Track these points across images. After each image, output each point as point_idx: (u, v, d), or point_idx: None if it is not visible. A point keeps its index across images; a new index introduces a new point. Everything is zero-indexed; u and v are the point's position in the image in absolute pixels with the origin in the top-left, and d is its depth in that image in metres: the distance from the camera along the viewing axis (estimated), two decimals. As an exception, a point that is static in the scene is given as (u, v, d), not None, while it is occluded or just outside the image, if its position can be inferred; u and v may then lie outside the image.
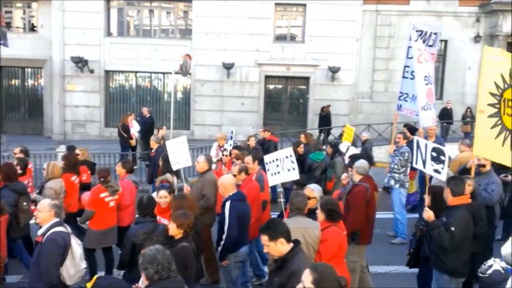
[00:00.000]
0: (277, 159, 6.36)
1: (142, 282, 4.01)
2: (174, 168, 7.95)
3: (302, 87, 22.50)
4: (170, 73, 17.49)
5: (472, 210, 5.96)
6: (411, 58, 8.83)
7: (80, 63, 21.07)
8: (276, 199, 11.25)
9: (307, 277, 3.26)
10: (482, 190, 7.01)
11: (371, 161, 12.47)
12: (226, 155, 9.71)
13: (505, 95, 5.93)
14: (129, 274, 5.54)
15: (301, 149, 11.27)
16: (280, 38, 22.00)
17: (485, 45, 6.58)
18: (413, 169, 9.38)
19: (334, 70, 21.15)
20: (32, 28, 22.43)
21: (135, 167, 13.70)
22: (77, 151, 9.53)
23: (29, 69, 22.53)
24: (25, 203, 7.28)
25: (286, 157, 6.27)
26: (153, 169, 10.26)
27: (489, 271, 4.19)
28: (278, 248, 4.12)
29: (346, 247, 5.49)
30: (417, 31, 8.32)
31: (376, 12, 21.51)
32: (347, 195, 6.85)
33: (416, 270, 6.63)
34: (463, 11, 21.50)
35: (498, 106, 6.04)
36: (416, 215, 8.76)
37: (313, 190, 6.07)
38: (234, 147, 10.07)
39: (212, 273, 7.35)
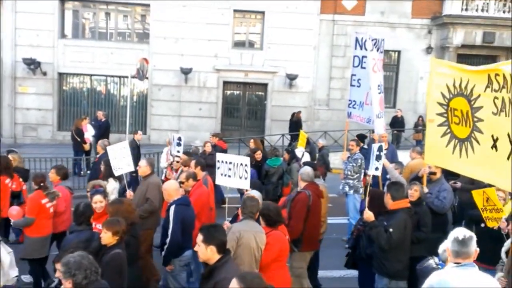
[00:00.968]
0: (230, 162, 6.31)
1: None
2: (116, 173, 7.81)
3: (260, 93, 22.64)
4: (127, 77, 17.22)
5: (417, 215, 6.17)
6: (357, 66, 9.03)
7: (33, 65, 20.43)
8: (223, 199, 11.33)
9: (234, 286, 3.25)
10: (434, 197, 7.14)
11: (328, 168, 12.71)
12: (178, 161, 9.61)
13: (451, 104, 6.12)
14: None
15: (258, 155, 11.31)
16: (238, 44, 22.08)
17: (432, 57, 6.82)
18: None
19: (291, 77, 21.41)
20: (-18, 28, 21.62)
21: (88, 172, 13.43)
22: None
23: (-22, 70, 21.71)
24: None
25: (241, 164, 6.20)
26: (94, 175, 9.72)
27: (425, 264, 4.62)
28: (206, 252, 4.12)
29: (287, 251, 5.55)
30: (372, 40, 8.49)
31: (333, 22, 21.95)
32: (291, 203, 6.85)
33: None
34: (415, 23, 22.24)
35: (446, 115, 6.21)
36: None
37: (254, 195, 6.06)
38: (184, 153, 9.97)
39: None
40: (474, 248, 4.03)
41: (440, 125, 6.30)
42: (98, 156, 10.53)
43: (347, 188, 9.92)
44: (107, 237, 4.96)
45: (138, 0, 21.28)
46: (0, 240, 5.13)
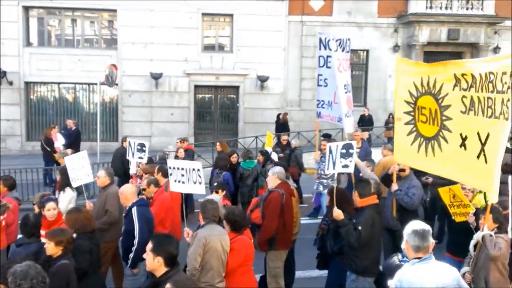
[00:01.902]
0: (183, 168, 6.17)
1: None
2: (74, 185, 7.67)
3: (232, 96, 22.63)
4: (96, 84, 17.00)
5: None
6: (323, 66, 9.11)
7: (-2, 74, 19.98)
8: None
9: None
10: (403, 194, 7.25)
11: (301, 168, 12.79)
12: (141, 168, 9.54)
13: (418, 103, 6.15)
14: None
15: (234, 158, 11.33)
16: (208, 47, 22.03)
17: (397, 55, 6.90)
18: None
19: (263, 79, 21.48)
20: None
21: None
22: None
23: None
24: None
25: (193, 169, 6.09)
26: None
27: (389, 261, 4.72)
28: (153, 263, 4.05)
29: (253, 256, 5.58)
30: (337, 40, 8.54)
31: (301, 23, 22.12)
32: (264, 202, 6.92)
33: None
34: (382, 22, 22.58)
35: (413, 113, 6.26)
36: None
37: (213, 199, 6.04)
38: (148, 161, 9.91)
39: None
40: (431, 241, 4.10)
41: (407, 123, 6.36)
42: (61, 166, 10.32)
43: (321, 188, 10.02)
44: (50, 248, 4.84)
45: (105, 6, 21.01)
46: None
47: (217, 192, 7.36)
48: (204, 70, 21.53)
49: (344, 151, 6.23)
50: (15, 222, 7.15)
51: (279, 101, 22.22)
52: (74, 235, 5.39)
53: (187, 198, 9.73)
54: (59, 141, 15.29)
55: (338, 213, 5.94)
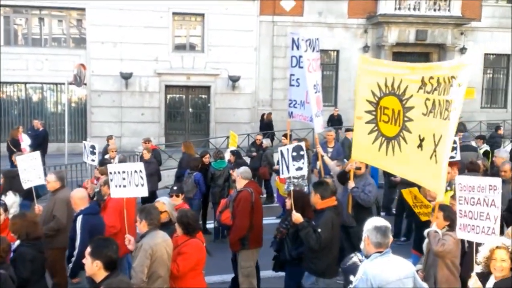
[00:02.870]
0: (124, 172, 5.86)
1: None
2: (25, 186, 7.36)
3: (204, 96, 22.52)
4: (64, 83, 16.67)
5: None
6: (295, 66, 9.13)
7: (-38, 74, 19.39)
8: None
9: None
10: (360, 191, 7.35)
11: (272, 168, 12.81)
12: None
13: (381, 103, 6.21)
14: None
15: (206, 159, 11.28)
16: (179, 47, 21.85)
17: (366, 55, 6.93)
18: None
19: (234, 79, 21.44)
20: None
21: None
22: None
23: None
24: None
25: (135, 171, 5.80)
26: None
27: (349, 263, 4.76)
28: (92, 267, 3.96)
29: (204, 260, 5.51)
30: (306, 40, 8.52)
31: (273, 23, 22.16)
32: (233, 202, 6.90)
33: None
34: (352, 22, 22.81)
35: (374, 113, 6.32)
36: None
37: (164, 203, 5.99)
38: (100, 163, 9.77)
39: None
40: (391, 238, 4.24)
41: (368, 122, 6.43)
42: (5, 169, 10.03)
43: (292, 187, 9.98)
44: None
45: (73, 4, 20.62)
46: None
47: (177, 196, 7.09)
48: (175, 70, 21.36)
49: (295, 154, 6.17)
50: None
51: (250, 101, 22.22)
52: (18, 242, 5.23)
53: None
54: (25, 142, 14.94)
55: (297, 217, 5.89)
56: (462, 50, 23.28)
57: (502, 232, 5.33)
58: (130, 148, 19.15)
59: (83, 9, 20.69)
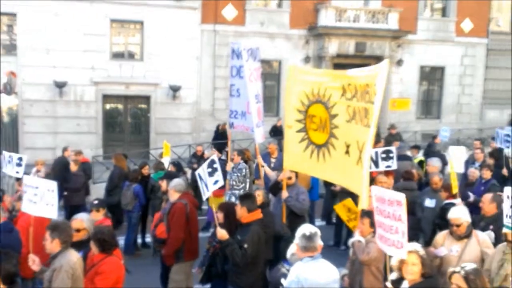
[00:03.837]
0: (37, 187, 5.43)
1: None
2: None
3: (143, 106, 21.90)
4: (-9, 92, 15.68)
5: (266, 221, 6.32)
6: (235, 76, 9.03)
7: None
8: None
9: None
10: (294, 200, 7.48)
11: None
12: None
13: (309, 111, 6.37)
14: None
15: (146, 170, 11.09)
16: (117, 55, 21.16)
17: (289, 65, 6.96)
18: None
19: (175, 89, 21.00)
20: None
21: None
22: None
23: None
24: None
25: (48, 190, 5.35)
26: None
27: (277, 274, 5.09)
28: None
29: (123, 277, 5.27)
30: (248, 50, 8.42)
31: (214, 32, 21.94)
32: (167, 215, 6.81)
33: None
34: (294, 33, 22.97)
35: (304, 121, 6.43)
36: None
37: (83, 220, 5.66)
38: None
39: None
40: (319, 243, 4.54)
41: (299, 131, 6.54)
42: None
43: (233, 199, 9.82)
44: None
45: (4, 9, 19.47)
46: None
47: (97, 211, 6.63)
48: (113, 78, 20.64)
49: (209, 169, 6.14)
50: None
51: (191, 111, 21.83)
52: None
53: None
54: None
55: (222, 234, 5.78)
56: (399, 62, 24.02)
57: None
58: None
59: (14, 14, 19.58)
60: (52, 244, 4.79)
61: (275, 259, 6.41)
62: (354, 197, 6.70)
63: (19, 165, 9.18)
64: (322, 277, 4.36)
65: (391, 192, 4.72)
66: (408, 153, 13.62)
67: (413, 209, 8.73)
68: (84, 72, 20.11)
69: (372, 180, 9.04)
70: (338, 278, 4.56)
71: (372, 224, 5.58)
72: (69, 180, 11.15)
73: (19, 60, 19.46)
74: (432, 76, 25.77)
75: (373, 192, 4.91)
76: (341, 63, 23.16)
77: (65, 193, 10.93)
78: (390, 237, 4.55)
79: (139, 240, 11.16)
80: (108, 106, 21.52)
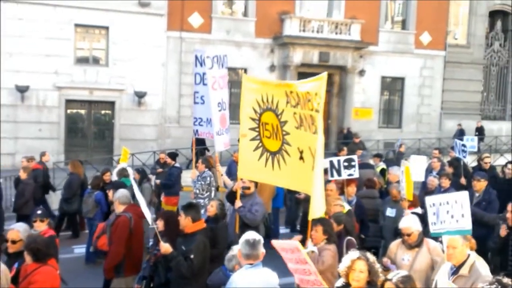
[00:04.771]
0: None
1: None
2: None
3: (108, 112, 21.68)
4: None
5: (213, 232, 6.31)
6: (199, 84, 9.05)
7: None
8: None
9: None
10: (246, 211, 7.34)
11: (179, 187, 12.54)
12: None
13: (262, 119, 6.40)
14: None
15: (107, 177, 10.81)
16: (82, 60, 20.90)
17: (244, 74, 7.08)
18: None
19: (140, 95, 20.89)
20: None
21: None
22: None
23: None
24: None
25: None
26: None
27: (215, 278, 5.14)
28: None
29: (59, 286, 5.20)
30: (213, 57, 8.41)
31: (181, 39, 21.98)
32: (110, 227, 6.58)
33: None
34: (259, 42, 23.25)
35: (258, 129, 6.48)
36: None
37: (19, 231, 5.49)
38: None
39: None
40: (262, 251, 4.57)
41: (253, 139, 6.56)
42: None
43: (199, 208, 9.82)
44: None
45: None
46: None
47: (41, 221, 6.33)
48: (77, 83, 20.38)
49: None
50: None
51: (157, 117, 21.75)
52: None
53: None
54: None
55: (166, 248, 5.65)
56: (361, 72, 24.64)
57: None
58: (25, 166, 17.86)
59: (-26, 17, 19.14)
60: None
61: None
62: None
63: None
64: (259, 284, 4.37)
65: (286, 242, 4.64)
66: (371, 161, 13.98)
67: (375, 216, 9.02)
68: (47, 77, 19.78)
69: (341, 189, 9.28)
70: (277, 284, 4.54)
71: (325, 231, 5.78)
72: (17, 189, 10.73)
73: (-21, 64, 18.99)
74: (393, 87, 26.52)
75: (274, 244, 4.74)
76: (305, 72, 23.55)
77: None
78: (309, 279, 4.46)
79: (101, 249, 10.97)
80: (71, 112, 21.19)
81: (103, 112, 21.87)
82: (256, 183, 7.76)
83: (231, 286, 4.45)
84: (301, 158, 5.76)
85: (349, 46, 23.67)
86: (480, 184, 8.83)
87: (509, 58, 28.39)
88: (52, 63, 19.84)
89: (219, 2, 22.95)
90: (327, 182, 10.34)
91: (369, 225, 8.56)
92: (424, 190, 10.13)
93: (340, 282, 4.55)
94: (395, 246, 5.92)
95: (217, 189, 10.94)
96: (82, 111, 21.54)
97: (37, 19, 19.40)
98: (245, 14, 23.39)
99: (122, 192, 6.81)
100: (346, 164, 9.29)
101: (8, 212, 11.61)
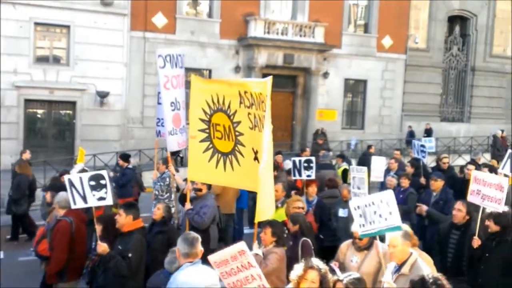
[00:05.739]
0: None
1: None
2: None
3: (68, 112, 21.24)
4: None
5: (166, 235, 6.41)
6: None
7: None
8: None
9: None
10: (194, 214, 7.35)
11: (141, 187, 12.43)
12: None
13: (213, 120, 6.33)
14: None
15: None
16: (41, 59, 20.39)
17: (192, 74, 6.99)
18: None
19: (102, 95, 20.56)
20: None
21: None
22: None
23: None
24: None
25: None
26: None
27: (155, 278, 5.11)
28: None
29: None
30: (165, 56, 8.19)
31: (144, 39, 21.75)
32: (51, 232, 6.48)
33: None
34: (224, 43, 23.25)
35: (208, 131, 6.40)
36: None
37: None
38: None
39: None
40: (200, 249, 4.61)
41: (202, 140, 6.45)
42: None
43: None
44: None
45: None
46: None
47: None
48: (36, 83, 19.90)
49: (93, 183, 5.74)
50: None
51: (120, 118, 21.44)
52: None
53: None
54: None
55: (103, 248, 5.61)
56: (325, 74, 24.97)
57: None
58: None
59: None
60: None
61: None
62: None
63: None
64: (200, 282, 4.35)
65: (229, 249, 4.25)
66: (333, 162, 14.19)
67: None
68: (5, 76, 19.20)
69: (302, 189, 9.38)
70: (218, 282, 4.45)
71: (274, 233, 5.78)
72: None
73: None
74: (355, 89, 26.97)
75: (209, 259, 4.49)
76: (270, 73, 23.55)
77: None
78: (251, 286, 4.21)
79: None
80: (30, 111, 20.67)
81: (63, 112, 21.42)
82: (208, 185, 7.73)
83: (171, 286, 4.42)
84: (256, 158, 5.75)
85: (313, 48, 23.94)
86: (437, 184, 9.00)
87: (467, 62, 29.29)
88: (10, 62, 19.29)
89: (184, 2, 22.84)
90: (294, 181, 10.50)
91: (328, 225, 8.64)
92: (383, 190, 10.29)
93: (289, 286, 4.47)
94: (345, 246, 5.95)
95: (177, 189, 10.90)
96: (42, 111, 21.04)
97: (-6, 16, 18.84)
98: (210, 15, 23.36)
99: (62, 195, 6.54)
100: (305, 165, 9.41)
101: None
